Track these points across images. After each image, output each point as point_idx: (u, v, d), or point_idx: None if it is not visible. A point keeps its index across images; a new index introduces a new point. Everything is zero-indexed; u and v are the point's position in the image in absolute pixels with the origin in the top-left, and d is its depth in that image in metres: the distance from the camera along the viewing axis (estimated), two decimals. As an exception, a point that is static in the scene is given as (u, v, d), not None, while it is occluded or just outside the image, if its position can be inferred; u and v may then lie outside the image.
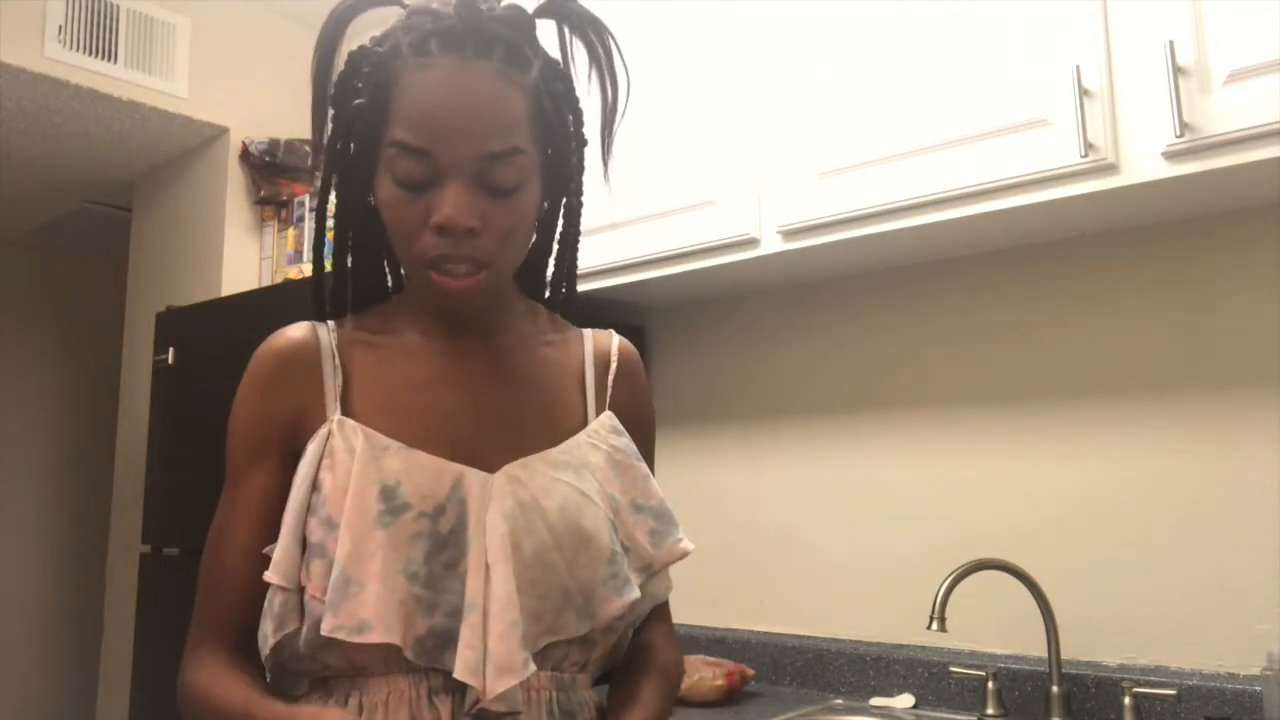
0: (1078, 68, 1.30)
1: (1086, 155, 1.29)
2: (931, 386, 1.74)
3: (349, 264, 0.89)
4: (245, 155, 2.58)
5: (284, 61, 2.68)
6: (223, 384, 2.17)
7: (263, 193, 2.58)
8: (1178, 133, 1.21)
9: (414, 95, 0.75)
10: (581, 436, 0.85)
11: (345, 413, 0.81)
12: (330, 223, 0.88)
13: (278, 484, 0.82)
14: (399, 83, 0.76)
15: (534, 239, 0.90)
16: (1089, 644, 1.50)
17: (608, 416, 0.89)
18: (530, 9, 0.84)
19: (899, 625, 1.70)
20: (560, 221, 0.90)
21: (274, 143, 2.56)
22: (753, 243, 1.67)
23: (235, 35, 2.60)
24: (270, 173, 2.57)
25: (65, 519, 4.02)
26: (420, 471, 0.78)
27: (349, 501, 0.75)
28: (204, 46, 2.54)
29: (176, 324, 2.37)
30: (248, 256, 2.58)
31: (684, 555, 0.87)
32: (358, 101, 0.78)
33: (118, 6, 2.37)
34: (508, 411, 0.84)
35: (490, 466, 0.80)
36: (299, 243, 2.48)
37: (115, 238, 3.23)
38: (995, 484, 1.64)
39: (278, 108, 2.66)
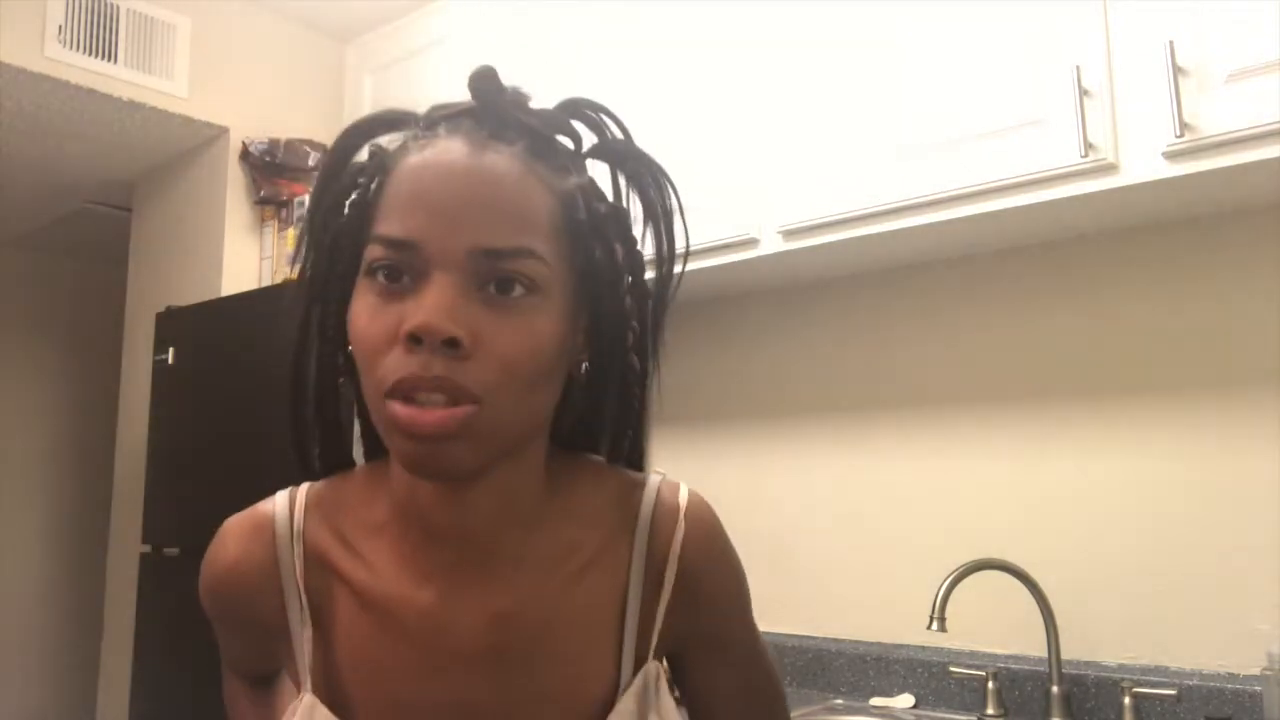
0: (1078, 68, 1.30)
1: (1086, 155, 1.29)
2: (931, 386, 1.74)
3: (318, 431, 0.70)
4: (245, 155, 2.58)
5: (284, 61, 2.67)
6: (223, 384, 2.19)
7: (263, 193, 2.57)
8: (1178, 133, 1.21)
9: (405, 178, 0.60)
10: None
11: (316, 682, 0.65)
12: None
13: (256, 650, 0.73)
14: (394, 170, 0.61)
15: (570, 401, 0.69)
16: (1089, 644, 1.50)
17: (649, 675, 0.67)
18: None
19: (899, 625, 1.70)
20: (614, 386, 0.68)
21: (274, 143, 2.56)
22: (753, 243, 1.67)
23: (235, 35, 2.59)
24: (270, 173, 2.57)
25: (65, 519, 4.01)
26: None
27: None
28: (204, 46, 2.53)
29: (176, 324, 2.37)
30: (248, 256, 2.58)
31: None
32: (349, 201, 0.64)
33: (118, 6, 2.37)
34: (513, 711, 0.65)
35: None
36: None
37: (115, 238, 3.22)
38: (995, 484, 1.64)
39: (278, 108, 2.65)
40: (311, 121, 2.66)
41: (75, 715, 3.79)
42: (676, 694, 0.72)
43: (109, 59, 2.35)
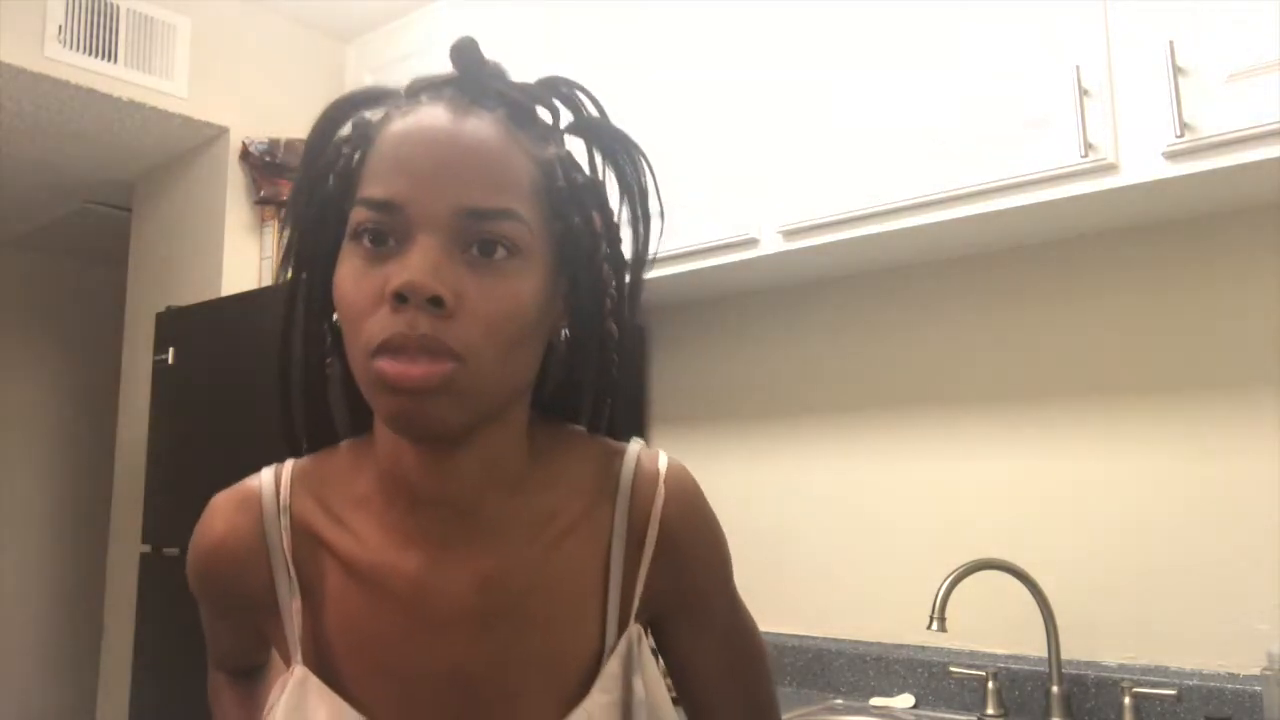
0: (1078, 68, 1.30)
1: (1086, 155, 1.29)
2: (931, 386, 1.74)
3: (304, 408, 0.70)
4: (245, 155, 2.58)
5: (284, 61, 2.67)
6: (223, 384, 2.19)
7: (263, 193, 2.57)
8: (1178, 133, 1.21)
9: (389, 143, 0.61)
10: (593, 698, 0.65)
11: (306, 654, 0.66)
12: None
13: (244, 635, 0.76)
14: (378, 139, 0.62)
15: (552, 374, 0.71)
16: (1089, 644, 1.50)
17: (631, 638, 0.68)
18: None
19: (899, 625, 1.70)
20: (593, 353, 0.69)
21: (274, 143, 2.56)
22: (753, 243, 1.67)
23: (235, 35, 2.59)
24: (270, 173, 2.57)
25: (65, 519, 4.02)
26: None
27: None
28: (204, 46, 2.53)
29: (176, 324, 2.37)
30: (248, 256, 2.58)
31: None
32: (333, 171, 0.65)
33: (118, 6, 2.37)
34: (502, 676, 0.65)
35: None
36: (299, 243, 2.48)
37: (115, 238, 3.22)
38: (995, 484, 1.64)
39: (278, 108, 2.65)
40: (311, 121, 2.66)
41: (75, 715, 3.79)
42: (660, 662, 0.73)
43: (109, 59, 2.35)
